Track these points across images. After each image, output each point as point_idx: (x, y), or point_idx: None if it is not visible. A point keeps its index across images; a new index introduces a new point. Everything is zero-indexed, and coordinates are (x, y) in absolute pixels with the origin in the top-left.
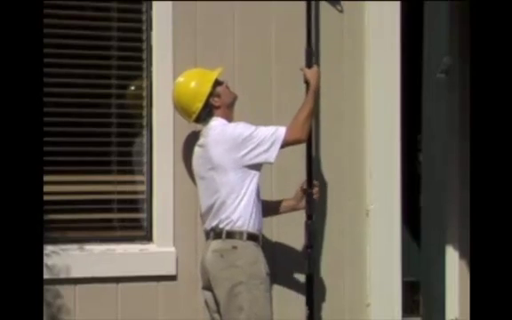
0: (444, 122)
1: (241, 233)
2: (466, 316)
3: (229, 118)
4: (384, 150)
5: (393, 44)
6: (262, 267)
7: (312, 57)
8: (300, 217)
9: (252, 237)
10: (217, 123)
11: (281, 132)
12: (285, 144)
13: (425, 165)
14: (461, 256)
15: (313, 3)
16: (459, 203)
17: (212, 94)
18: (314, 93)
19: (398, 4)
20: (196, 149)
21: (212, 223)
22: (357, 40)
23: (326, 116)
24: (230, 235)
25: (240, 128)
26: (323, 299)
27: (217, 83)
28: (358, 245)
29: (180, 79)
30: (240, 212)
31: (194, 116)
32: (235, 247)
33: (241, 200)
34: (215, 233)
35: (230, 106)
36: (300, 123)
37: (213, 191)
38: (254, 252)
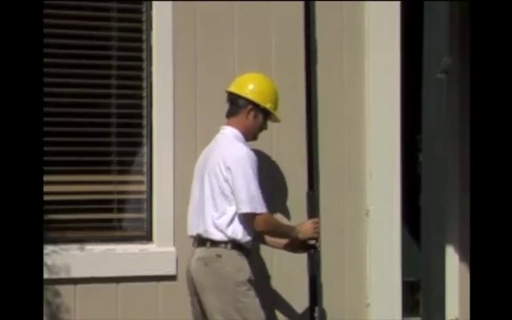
0: (444, 122)
1: (225, 242)
2: (466, 316)
3: (245, 134)
4: (384, 150)
5: (393, 44)
6: (248, 274)
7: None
8: (302, 218)
9: (236, 247)
10: (230, 133)
11: (258, 209)
12: (246, 219)
13: (425, 165)
14: (461, 256)
15: (311, 3)
16: (459, 203)
17: (255, 107)
18: (296, 236)
19: (398, 3)
20: (205, 150)
21: (198, 229)
22: (357, 40)
23: (326, 116)
24: (215, 243)
25: (241, 169)
26: (323, 299)
27: (267, 114)
28: (358, 245)
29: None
30: (226, 220)
31: (234, 87)
32: (219, 255)
33: (228, 208)
34: (200, 240)
35: (250, 131)
36: (270, 226)
37: (204, 194)
38: (239, 260)
